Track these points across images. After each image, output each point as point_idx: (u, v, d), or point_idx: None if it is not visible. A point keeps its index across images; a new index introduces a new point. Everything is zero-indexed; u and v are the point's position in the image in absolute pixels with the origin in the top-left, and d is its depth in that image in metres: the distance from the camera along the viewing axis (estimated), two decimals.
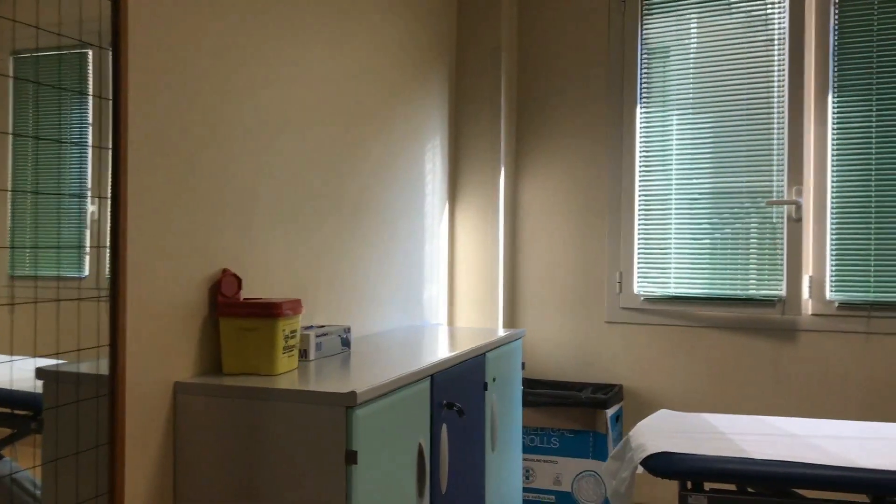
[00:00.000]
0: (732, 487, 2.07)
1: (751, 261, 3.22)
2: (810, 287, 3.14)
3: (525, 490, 3.15)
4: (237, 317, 1.77)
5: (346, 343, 2.18)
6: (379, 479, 1.68)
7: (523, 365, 2.86)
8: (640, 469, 2.07)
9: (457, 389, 2.15)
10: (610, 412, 3.09)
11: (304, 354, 1.98)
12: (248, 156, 1.96)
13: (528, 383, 3.47)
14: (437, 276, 3.23)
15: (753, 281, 3.21)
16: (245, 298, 1.87)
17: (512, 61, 3.52)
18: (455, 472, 2.13)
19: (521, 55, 3.60)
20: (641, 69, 3.40)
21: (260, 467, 1.62)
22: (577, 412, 3.09)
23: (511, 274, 3.58)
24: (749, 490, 1.99)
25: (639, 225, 3.41)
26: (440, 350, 2.22)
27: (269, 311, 1.76)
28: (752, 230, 3.22)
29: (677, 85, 3.34)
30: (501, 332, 2.68)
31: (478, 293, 3.38)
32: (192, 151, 1.76)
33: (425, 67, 3.09)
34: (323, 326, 2.15)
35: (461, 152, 3.42)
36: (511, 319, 3.57)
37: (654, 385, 3.35)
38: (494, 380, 2.49)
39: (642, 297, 3.39)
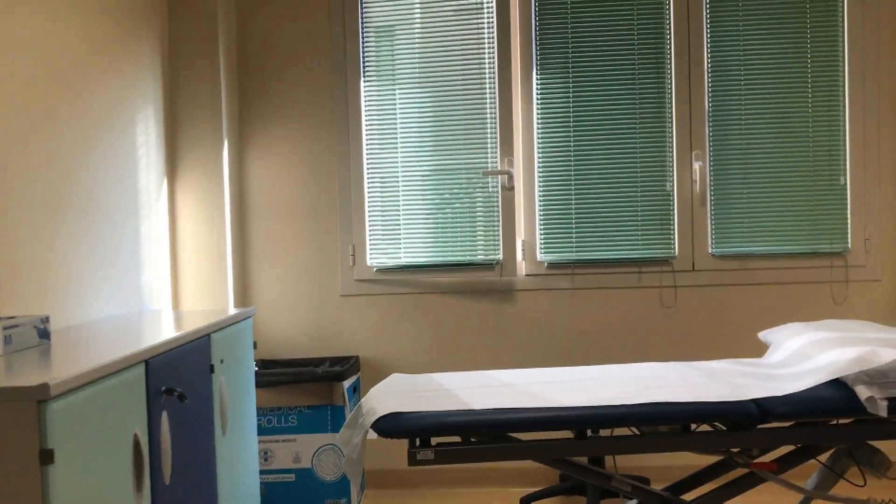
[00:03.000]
0: (458, 439, 2.18)
1: (472, 228, 3.41)
2: (523, 250, 3.41)
3: (264, 472, 3.08)
4: None
5: (44, 334, 1.94)
6: (85, 477, 1.52)
7: (255, 344, 2.77)
8: (372, 433, 2.11)
9: (178, 374, 2.02)
10: (347, 384, 3.12)
11: None
12: None
13: (264, 364, 3.38)
14: (156, 258, 3.01)
15: (475, 247, 3.41)
16: None
17: (230, 30, 3.37)
18: (180, 461, 2.00)
19: (240, 23, 3.45)
20: (364, 45, 3.43)
21: None
22: (314, 388, 3.07)
23: (241, 252, 3.45)
24: (472, 440, 2.11)
25: (369, 197, 3.45)
26: (158, 334, 2.07)
27: None
28: (472, 199, 3.41)
29: (400, 63, 3.42)
30: (230, 312, 2.56)
31: (205, 273, 3.21)
32: None
33: (129, 30, 2.84)
34: (13, 318, 1.89)
35: (180, 124, 3.21)
36: (243, 299, 3.44)
37: (390, 353, 3.43)
38: (222, 361, 2.38)
39: (375, 269, 3.45)
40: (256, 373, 3.08)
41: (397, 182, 3.43)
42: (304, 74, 3.44)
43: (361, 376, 3.45)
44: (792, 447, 2.26)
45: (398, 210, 3.43)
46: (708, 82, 3.34)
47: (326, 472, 3.07)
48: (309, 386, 3.07)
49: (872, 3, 3.28)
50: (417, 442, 2.08)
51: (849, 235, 3.32)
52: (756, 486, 2.23)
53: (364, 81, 3.44)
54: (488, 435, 2.08)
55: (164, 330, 2.17)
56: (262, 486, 3.08)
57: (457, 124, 3.40)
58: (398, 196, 3.43)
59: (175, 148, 3.21)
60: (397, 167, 3.43)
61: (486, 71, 3.39)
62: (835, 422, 2.13)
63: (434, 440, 2.10)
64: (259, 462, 3.09)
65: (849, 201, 3.31)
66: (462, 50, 3.39)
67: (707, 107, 3.35)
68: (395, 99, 3.42)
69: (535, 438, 2.10)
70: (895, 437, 2.10)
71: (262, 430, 3.08)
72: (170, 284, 3.14)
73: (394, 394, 2.24)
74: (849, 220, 3.32)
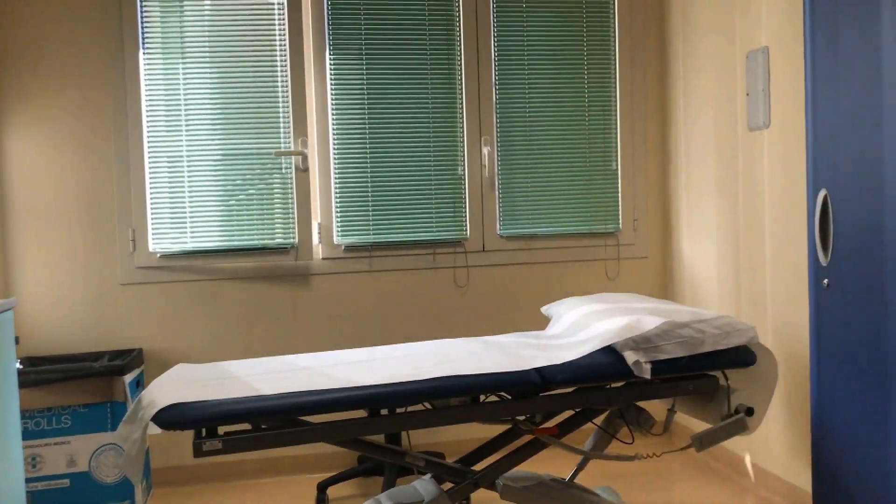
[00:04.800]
0: (249, 427, 2.10)
1: (268, 211, 3.30)
2: (320, 233, 3.36)
3: (32, 480, 2.79)
4: None
5: None
6: None
7: (17, 340, 2.49)
8: (154, 427, 1.97)
9: None
10: (129, 378, 2.90)
11: None
12: None
13: (32, 361, 3.06)
14: None
15: (269, 230, 3.30)
16: None
17: None
18: None
19: None
20: (144, 16, 3.19)
21: None
22: (91, 384, 2.83)
23: (0, 238, 3.09)
24: (263, 427, 2.04)
25: (150, 178, 3.22)
26: None
27: None
28: (265, 181, 3.29)
29: (188, 39, 3.22)
30: None
31: None
32: None
33: None
34: None
35: None
36: (3, 289, 3.08)
37: (178, 344, 3.24)
38: None
39: (159, 255, 3.23)
40: (20, 371, 2.78)
41: (183, 161, 3.24)
42: (74, 44, 3.14)
43: (146, 370, 3.23)
44: (571, 412, 2.41)
45: (184, 192, 3.24)
46: (495, 72, 3.48)
47: (106, 475, 2.84)
48: (85, 382, 2.82)
49: (640, 6, 3.58)
50: (204, 433, 1.98)
51: (620, 217, 3.61)
52: (540, 451, 2.36)
53: (144, 54, 3.20)
54: (280, 420, 2.02)
55: None
56: (28, 495, 2.79)
57: (248, 103, 3.26)
58: (184, 176, 3.24)
59: None
60: (182, 146, 3.23)
61: (278, 49, 3.28)
62: (609, 386, 2.30)
63: (222, 430, 2.01)
64: (25, 469, 2.80)
65: (619, 185, 3.60)
66: (252, 27, 3.26)
67: (494, 95, 3.48)
68: (179, 75, 3.22)
69: (329, 420, 2.07)
70: (659, 396, 2.32)
71: (28, 434, 2.79)
72: None
73: (177, 384, 2.11)
74: (619, 203, 3.61)
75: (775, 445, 2.85)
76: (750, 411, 2.33)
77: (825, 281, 2.11)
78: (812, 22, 2.12)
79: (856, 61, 1.97)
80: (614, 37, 3.57)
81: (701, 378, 2.31)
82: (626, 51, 3.58)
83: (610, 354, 2.24)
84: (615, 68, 3.58)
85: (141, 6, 3.19)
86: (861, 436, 2.00)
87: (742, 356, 2.28)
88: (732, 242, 3.08)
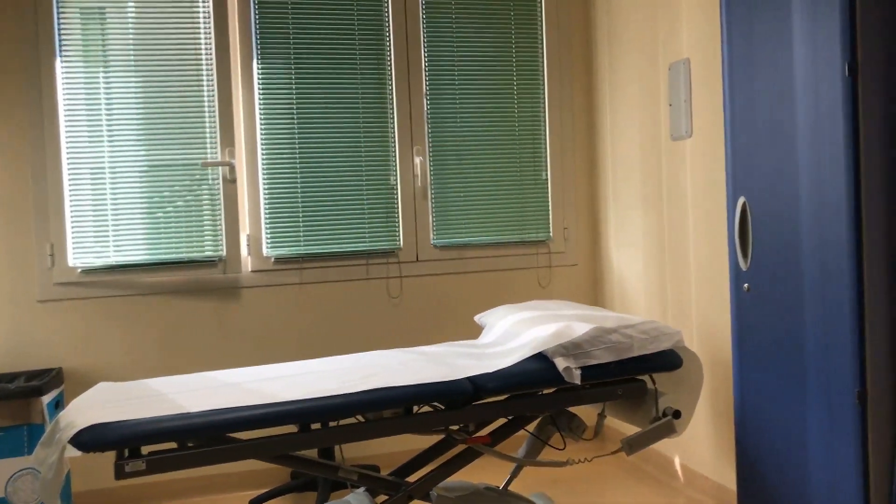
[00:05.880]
0: (174, 446, 2.03)
1: (196, 223, 3.22)
2: (248, 245, 3.29)
3: None
4: None
5: None
6: None
7: None
8: (73, 450, 1.89)
9: None
10: (47, 399, 2.78)
11: None
12: None
13: None
14: None
15: (196, 242, 3.22)
16: None
17: None
18: None
19: None
20: (60, 23, 3.08)
21: None
22: (5, 406, 2.70)
23: None
24: (189, 445, 1.98)
25: (70, 190, 3.11)
26: None
27: None
28: (192, 192, 3.22)
29: (110, 48, 3.12)
30: None
31: None
32: None
33: None
34: None
35: None
36: None
37: (100, 362, 3.13)
38: None
39: (79, 270, 3.11)
40: None
41: (105, 172, 3.13)
42: None
43: (66, 390, 3.10)
44: (504, 420, 2.42)
45: (107, 204, 3.13)
46: (426, 81, 3.49)
47: (24, 501, 2.71)
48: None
49: (567, 19, 3.65)
50: (126, 453, 1.91)
51: (550, 226, 3.66)
52: (474, 460, 2.36)
53: (62, 63, 3.09)
54: (206, 438, 1.96)
55: None
56: None
57: (174, 113, 3.18)
58: (107, 188, 3.13)
59: None
60: (105, 157, 3.13)
61: (204, 58, 3.21)
62: (541, 392, 2.32)
63: (146, 449, 1.94)
64: None
65: (550, 195, 3.65)
66: (178, 35, 3.18)
67: (425, 104, 3.49)
68: (101, 84, 3.12)
69: (258, 437, 2.03)
70: (589, 402, 2.35)
71: None
72: None
73: (98, 403, 2.03)
74: (550, 212, 3.66)
75: (703, 447, 2.93)
76: (677, 414, 2.38)
77: (746, 286, 2.18)
78: (728, 35, 2.20)
79: (770, 74, 2.04)
80: (542, 49, 3.63)
81: (630, 382, 2.35)
82: (555, 63, 3.64)
83: (541, 361, 2.25)
84: (544, 80, 3.63)
85: (58, 13, 3.08)
86: (781, 435, 2.07)
87: (668, 360, 2.33)
88: (658, 249, 3.15)
